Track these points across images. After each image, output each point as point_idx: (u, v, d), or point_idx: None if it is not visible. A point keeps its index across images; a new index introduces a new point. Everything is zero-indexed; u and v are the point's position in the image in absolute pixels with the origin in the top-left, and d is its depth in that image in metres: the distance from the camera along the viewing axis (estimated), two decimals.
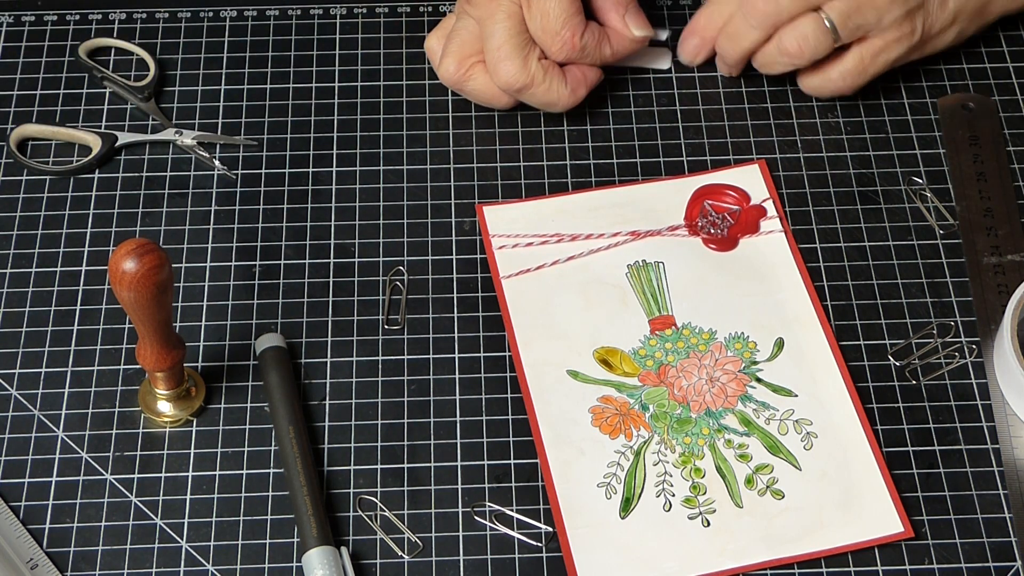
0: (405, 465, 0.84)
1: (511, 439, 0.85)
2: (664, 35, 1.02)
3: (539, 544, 0.82)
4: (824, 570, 0.81)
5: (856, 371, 0.88)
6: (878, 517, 0.82)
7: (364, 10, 1.05)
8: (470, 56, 0.95)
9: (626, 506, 0.83)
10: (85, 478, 0.84)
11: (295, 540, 0.81)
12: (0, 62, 1.02)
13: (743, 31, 0.96)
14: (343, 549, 0.81)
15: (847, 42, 0.95)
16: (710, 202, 0.95)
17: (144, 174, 0.96)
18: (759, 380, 0.87)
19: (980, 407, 0.87)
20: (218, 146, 0.98)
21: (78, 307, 0.90)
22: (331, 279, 0.92)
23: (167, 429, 0.86)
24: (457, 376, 0.88)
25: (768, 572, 0.81)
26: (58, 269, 0.92)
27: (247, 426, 0.86)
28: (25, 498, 0.83)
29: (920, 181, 0.96)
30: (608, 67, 1.00)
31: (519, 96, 0.95)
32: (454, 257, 0.93)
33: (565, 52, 0.94)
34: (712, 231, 0.94)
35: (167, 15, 1.04)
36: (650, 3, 1.05)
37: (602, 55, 0.96)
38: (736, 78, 1.01)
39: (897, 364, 0.88)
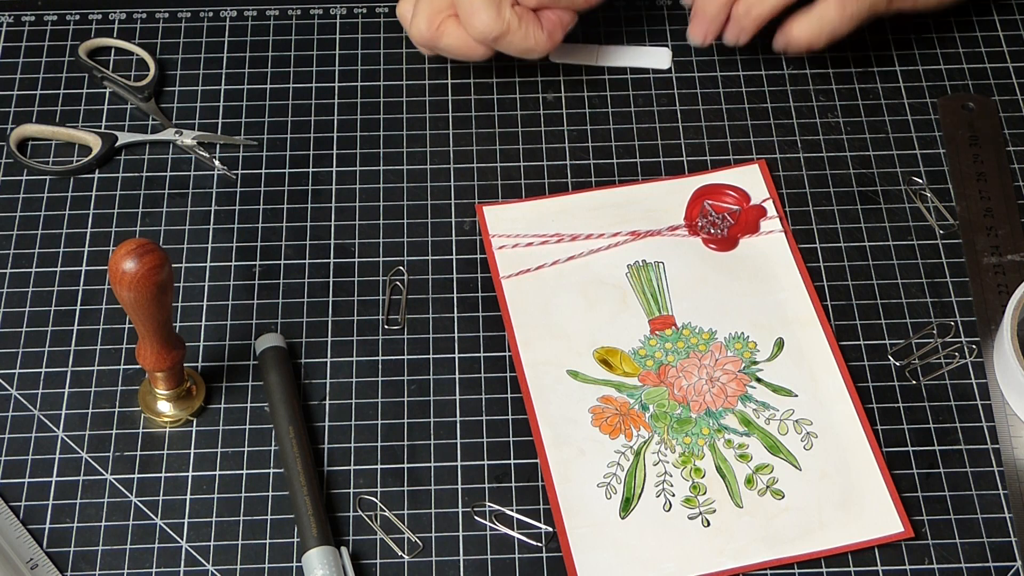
0: (405, 465, 0.84)
1: (511, 439, 0.85)
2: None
3: (539, 544, 0.82)
4: (824, 570, 0.81)
5: (856, 371, 0.88)
6: (878, 517, 0.82)
7: (364, 10, 1.05)
8: (440, 12, 0.94)
9: (626, 506, 0.83)
10: (85, 478, 0.84)
11: (295, 540, 0.81)
12: (0, 62, 1.02)
13: None
14: (343, 549, 0.81)
15: None
16: (710, 202, 0.95)
17: (144, 174, 0.96)
18: (759, 380, 0.87)
19: (980, 407, 0.87)
20: (218, 146, 0.98)
21: (78, 307, 0.90)
22: (331, 279, 0.92)
23: (167, 429, 0.86)
24: (457, 376, 0.88)
25: (768, 572, 0.81)
26: (58, 269, 0.92)
27: (247, 426, 0.86)
28: (25, 498, 0.83)
29: (920, 181, 0.96)
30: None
31: (495, 45, 0.94)
32: (454, 257, 0.93)
33: None
34: (712, 231, 0.94)
35: (167, 15, 1.04)
36: (650, 2, 1.05)
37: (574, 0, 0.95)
38: (736, 77, 1.01)
39: (897, 364, 0.88)
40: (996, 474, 0.84)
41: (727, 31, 0.97)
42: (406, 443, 0.85)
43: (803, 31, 0.95)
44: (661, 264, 0.92)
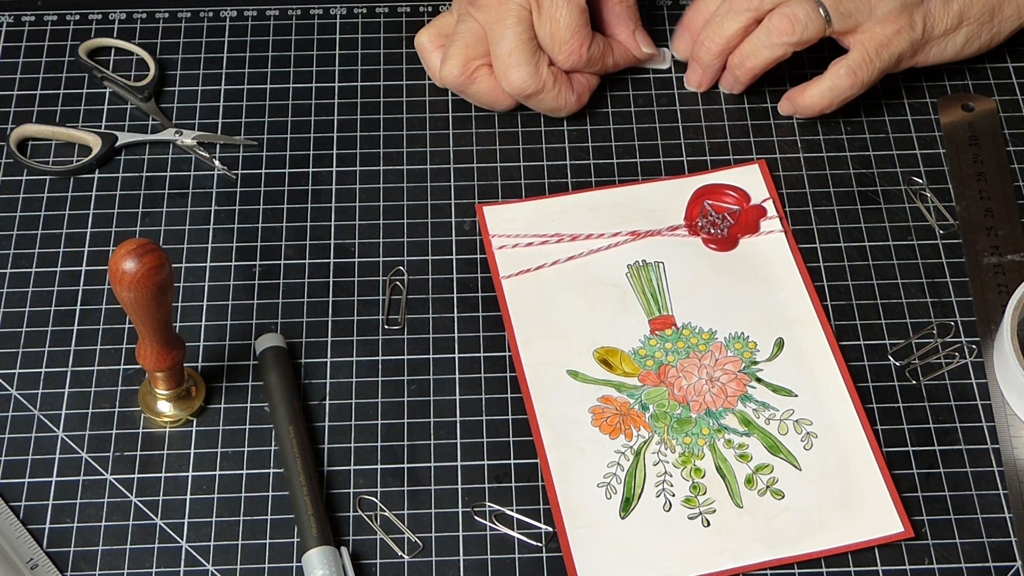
0: (405, 465, 0.84)
1: (511, 439, 0.85)
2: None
3: (539, 544, 0.82)
4: (824, 570, 0.81)
5: (856, 371, 0.88)
6: (878, 517, 0.82)
7: (364, 10, 1.05)
8: (474, 59, 0.95)
9: (626, 506, 0.83)
10: (85, 478, 0.84)
11: (295, 540, 0.81)
12: (0, 62, 1.02)
13: (725, 19, 0.96)
14: (343, 549, 0.81)
15: (839, 30, 0.94)
16: (710, 202, 0.95)
17: (144, 174, 0.96)
18: (759, 380, 0.87)
19: (980, 407, 0.87)
20: (218, 146, 0.98)
21: (78, 307, 0.90)
22: (331, 279, 0.92)
23: (167, 429, 0.86)
24: (457, 376, 0.88)
25: (768, 572, 0.81)
26: (58, 269, 0.92)
27: (247, 426, 0.86)
28: (25, 498, 0.83)
29: (920, 181, 0.96)
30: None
31: (527, 101, 0.96)
32: (454, 257, 0.93)
33: (571, 61, 0.94)
34: (712, 231, 0.94)
35: (167, 15, 1.04)
36: (650, 3, 1.05)
37: (604, 65, 0.96)
38: None
39: (897, 364, 0.88)
40: (996, 474, 0.84)
41: (722, 80, 0.99)
42: (406, 443, 0.85)
43: (814, 100, 0.96)
44: (661, 264, 0.92)
